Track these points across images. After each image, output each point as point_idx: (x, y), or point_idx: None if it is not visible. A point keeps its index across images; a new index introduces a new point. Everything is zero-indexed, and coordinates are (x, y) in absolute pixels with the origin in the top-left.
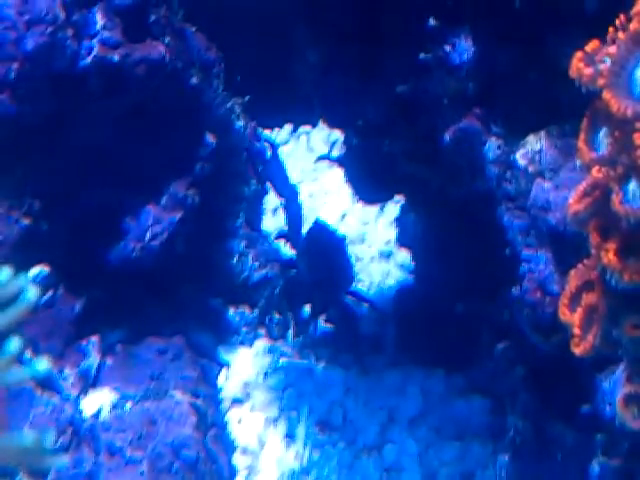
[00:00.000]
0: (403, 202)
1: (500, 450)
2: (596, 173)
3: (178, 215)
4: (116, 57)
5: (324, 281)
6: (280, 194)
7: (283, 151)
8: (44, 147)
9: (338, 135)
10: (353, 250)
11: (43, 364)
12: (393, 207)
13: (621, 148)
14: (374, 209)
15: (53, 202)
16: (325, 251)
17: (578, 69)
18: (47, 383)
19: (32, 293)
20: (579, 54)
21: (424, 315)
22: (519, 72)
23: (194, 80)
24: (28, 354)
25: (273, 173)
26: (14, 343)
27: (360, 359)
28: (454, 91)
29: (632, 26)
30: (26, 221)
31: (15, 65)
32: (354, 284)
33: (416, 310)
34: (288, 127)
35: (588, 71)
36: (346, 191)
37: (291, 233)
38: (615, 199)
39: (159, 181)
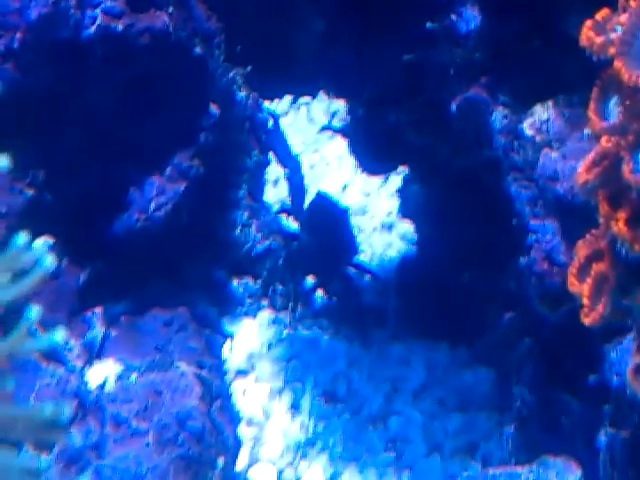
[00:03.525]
0: (407, 173)
1: (506, 421)
2: (605, 142)
3: (182, 186)
4: (120, 27)
5: (326, 253)
6: (283, 165)
7: (284, 122)
8: (47, 118)
9: (338, 106)
10: (355, 221)
11: (59, 335)
12: (396, 178)
13: (632, 117)
14: (377, 180)
15: (57, 173)
16: (327, 223)
17: (589, 38)
18: (52, 354)
19: (49, 261)
20: (589, 23)
21: (426, 286)
22: (526, 41)
23: (198, 50)
24: (34, 325)
25: (275, 144)
26: (34, 311)
27: (363, 330)
28: (461, 60)
29: None
30: (30, 192)
31: (18, 35)
32: (356, 255)
33: (418, 281)
34: (288, 98)
35: (599, 40)
36: (348, 162)
37: (294, 205)
38: (625, 168)
39: (163, 152)
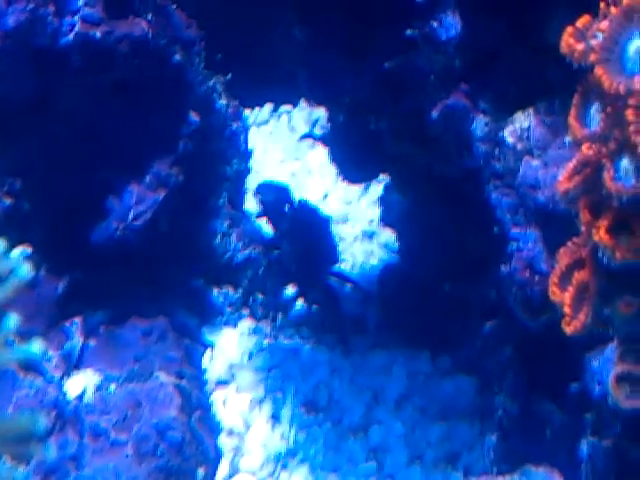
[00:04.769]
0: (388, 181)
1: (487, 430)
2: (587, 150)
3: (162, 194)
4: (98, 34)
5: (307, 261)
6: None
7: (264, 130)
8: (25, 125)
9: (320, 114)
10: (336, 230)
11: (36, 346)
12: (377, 186)
13: (613, 124)
14: (358, 188)
15: (35, 181)
16: (308, 231)
17: (569, 45)
18: (30, 365)
19: (25, 270)
20: (570, 29)
21: (408, 295)
22: (507, 48)
23: (177, 57)
24: (11, 336)
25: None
26: (12, 320)
27: (344, 340)
28: (441, 67)
29: (624, 1)
30: (8, 200)
31: None
32: (337, 264)
33: (400, 290)
34: (269, 106)
35: (580, 47)
36: (329, 170)
37: (275, 212)
38: (607, 176)
39: (142, 160)
